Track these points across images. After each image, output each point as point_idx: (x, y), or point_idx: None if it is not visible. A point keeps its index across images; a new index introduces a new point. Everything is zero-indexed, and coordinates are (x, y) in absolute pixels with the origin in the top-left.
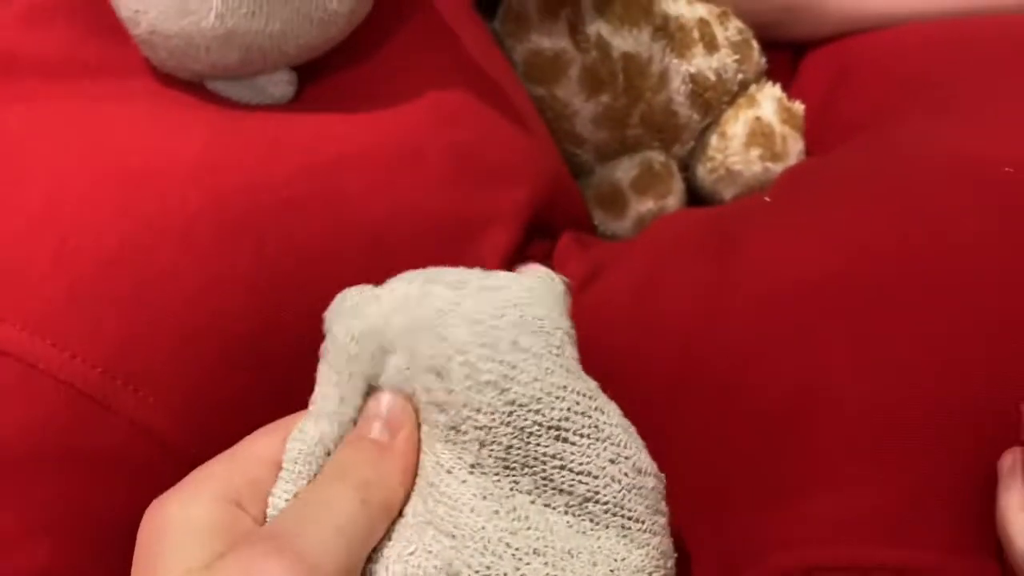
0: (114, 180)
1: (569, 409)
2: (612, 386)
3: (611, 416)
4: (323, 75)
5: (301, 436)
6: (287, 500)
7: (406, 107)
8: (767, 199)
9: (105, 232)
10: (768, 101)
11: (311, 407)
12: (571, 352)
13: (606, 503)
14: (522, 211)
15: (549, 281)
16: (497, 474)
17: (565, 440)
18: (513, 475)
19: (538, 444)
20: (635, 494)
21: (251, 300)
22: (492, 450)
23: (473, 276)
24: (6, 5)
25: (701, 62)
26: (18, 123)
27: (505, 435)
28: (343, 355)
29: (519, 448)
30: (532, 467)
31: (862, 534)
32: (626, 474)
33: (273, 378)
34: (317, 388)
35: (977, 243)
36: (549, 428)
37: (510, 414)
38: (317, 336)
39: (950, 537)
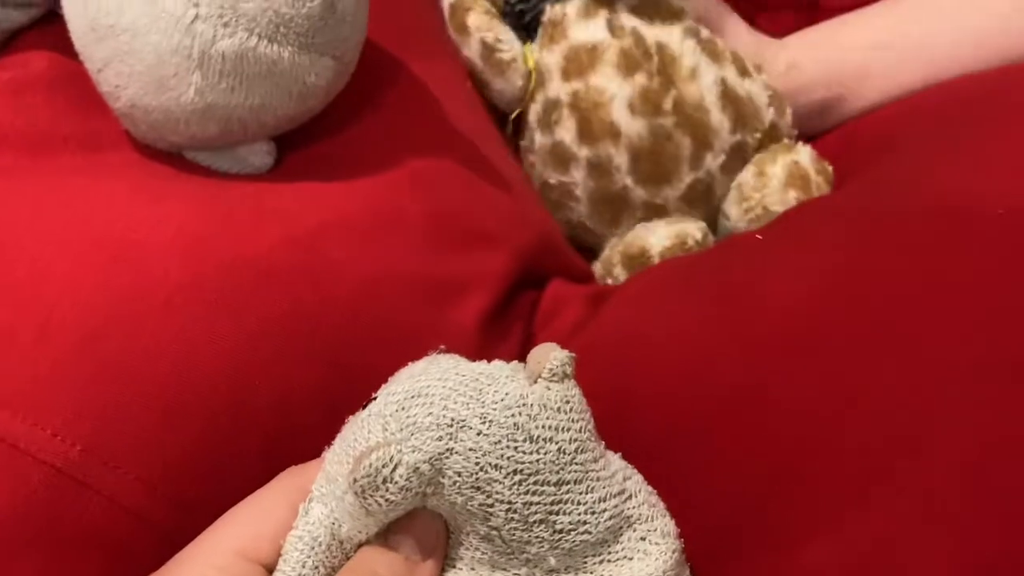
0: (96, 255)
1: (611, 517)
2: (605, 431)
3: (637, 497)
4: (302, 144)
5: (309, 530)
6: None
7: (385, 174)
8: (759, 236)
9: (88, 308)
10: (804, 152)
11: (314, 508)
12: (595, 444)
13: None
14: (502, 275)
15: (554, 388)
16: None
17: (608, 552)
18: None
19: (584, 559)
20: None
21: (233, 373)
22: (539, 566)
23: (489, 402)
24: None
25: (731, 76)
26: (0, 205)
27: (554, 557)
28: (374, 496)
29: (575, 563)
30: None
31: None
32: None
33: (254, 449)
34: (317, 496)
35: (966, 284)
36: (595, 544)
37: (558, 540)
38: (299, 404)
39: (949, 572)
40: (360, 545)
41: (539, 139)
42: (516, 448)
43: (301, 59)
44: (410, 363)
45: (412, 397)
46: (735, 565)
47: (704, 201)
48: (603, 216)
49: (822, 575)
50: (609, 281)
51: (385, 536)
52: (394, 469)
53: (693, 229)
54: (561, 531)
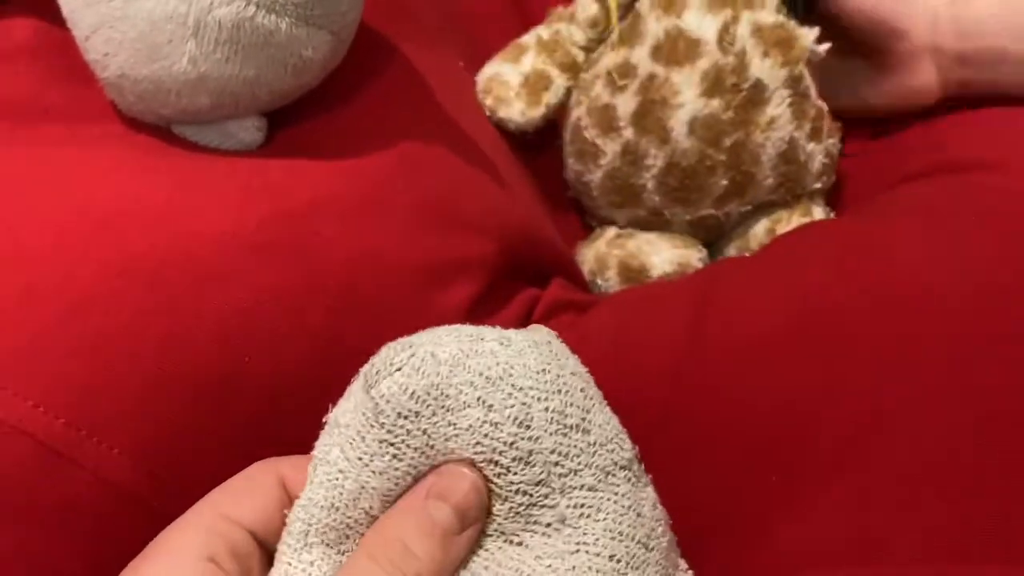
0: (81, 227)
1: (632, 448)
2: None
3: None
4: (293, 122)
5: (311, 503)
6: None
7: (375, 156)
8: (747, 254)
9: (72, 279)
10: (819, 211)
11: (323, 467)
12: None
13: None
14: (488, 263)
15: (556, 338)
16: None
17: (637, 478)
18: (578, 521)
19: (615, 482)
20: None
21: (220, 347)
22: (572, 497)
23: (509, 332)
24: None
25: (803, 137)
26: None
27: (590, 476)
28: (395, 414)
29: (600, 489)
30: (604, 509)
31: (838, 558)
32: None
33: (240, 426)
34: (331, 447)
35: (936, 294)
36: (622, 467)
37: (594, 454)
38: (287, 383)
39: (925, 550)
40: (373, 519)
41: (598, 89)
42: (540, 354)
43: (298, 31)
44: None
45: (423, 334)
46: (718, 541)
47: (709, 232)
48: (611, 195)
49: (796, 555)
50: (599, 281)
51: (417, 497)
52: (411, 354)
53: (695, 258)
54: (595, 443)
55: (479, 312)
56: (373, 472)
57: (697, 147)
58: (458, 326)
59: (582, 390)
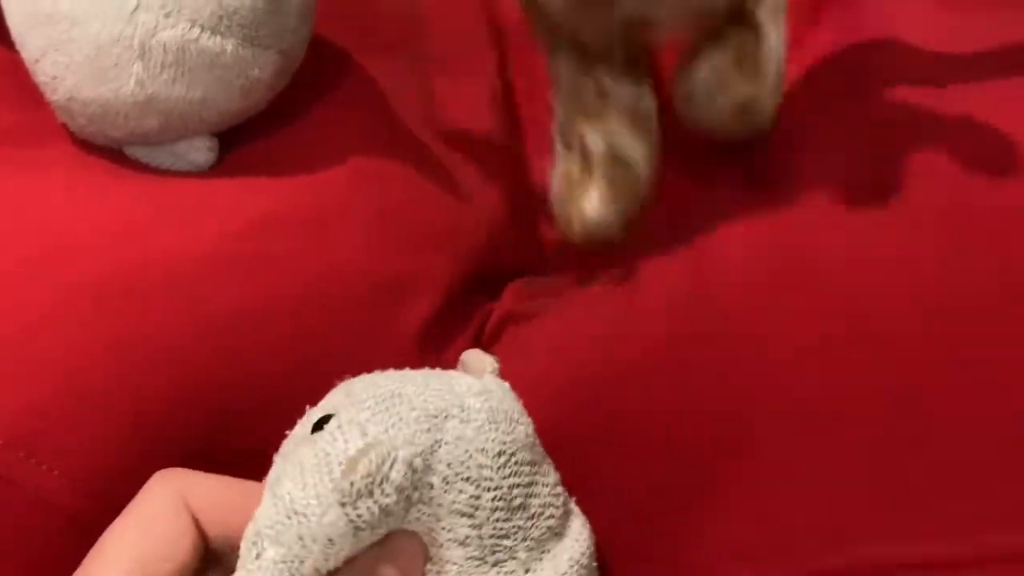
0: (32, 251)
1: (563, 503)
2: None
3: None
4: (245, 141)
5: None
6: None
7: (328, 172)
8: None
9: (20, 303)
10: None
11: (272, 544)
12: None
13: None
14: (445, 276)
15: (501, 382)
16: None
17: (559, 535)
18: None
19: (545, 549)
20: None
21: (166, 370)
22: (503, 568)
23: (462, 393)
24: None
25: None
26: None
27: (524, 550)
28: (367, 515)
29: (534, 558)
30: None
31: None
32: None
33: (186, 447)
34: (284, 482)
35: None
36: (555, 533)
37: (531, 528)
38: (235, 407)
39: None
40: None
41: None
42: (497, 428)
43: (244, 52)
44: (342, 380)
45: (388, 398)
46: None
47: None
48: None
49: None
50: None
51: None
52: (392, 466)
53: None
54: (534, 515)
55: (438, 329)
56: (335, 561)
57: None
58: (414, 388)
59: (529, 463)
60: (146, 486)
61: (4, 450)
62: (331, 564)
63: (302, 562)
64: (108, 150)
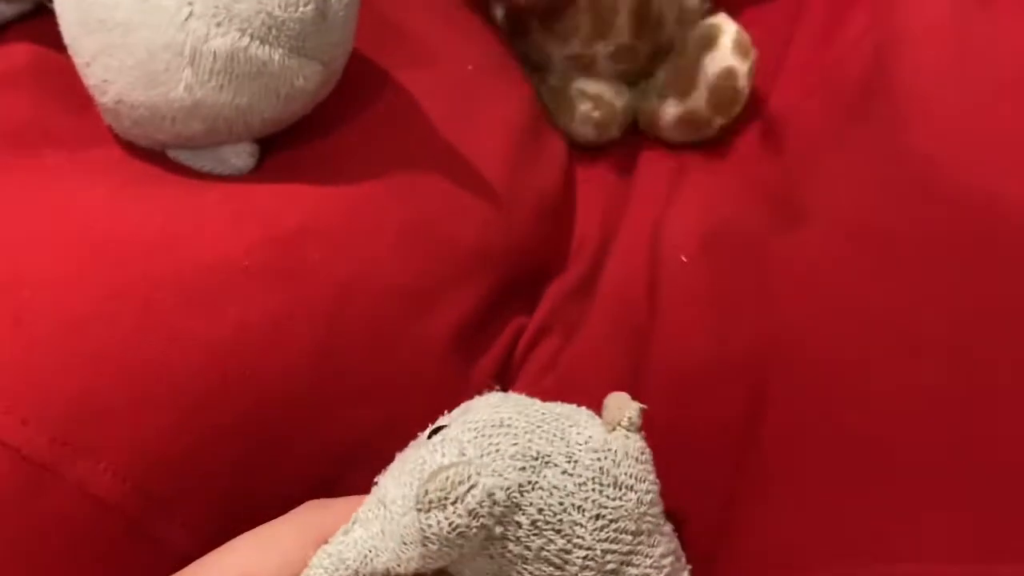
0: (76, 251)
1: (667, 575)
2: None
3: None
4: (285, 147)
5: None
6: None
7: (365, 181)
8: (684, 259)
9: (66, 299)
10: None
11: (362, 530)
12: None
13: None
14: (476, 285)
15: (633, 439)
16: None
17: None
18: None
19: None
20: None
21: (208, 372)
22: None
23: (575, 444)
24: None
25: None
26: None
27: None
28: (440, 544)
29: None
30: None
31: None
32: None
33: (229, 449)
34: (374, 519)
35: None
36: None
37: None
38: (275, 404)
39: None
40: None
41: None
42: (601, 492)
43: (291, 62)
44: (481, 395)
45: (494, 426)
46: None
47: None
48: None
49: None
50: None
51: None
52: (469, 489)
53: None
54: None
55: (471, 339)
56: (404, 568)
57: None
58: (526, 423)
59: (632, 532)
60: (291, 512)
61: (53, 444)
62: (400, 569)
63: (377, 555)
64: (152, 153)
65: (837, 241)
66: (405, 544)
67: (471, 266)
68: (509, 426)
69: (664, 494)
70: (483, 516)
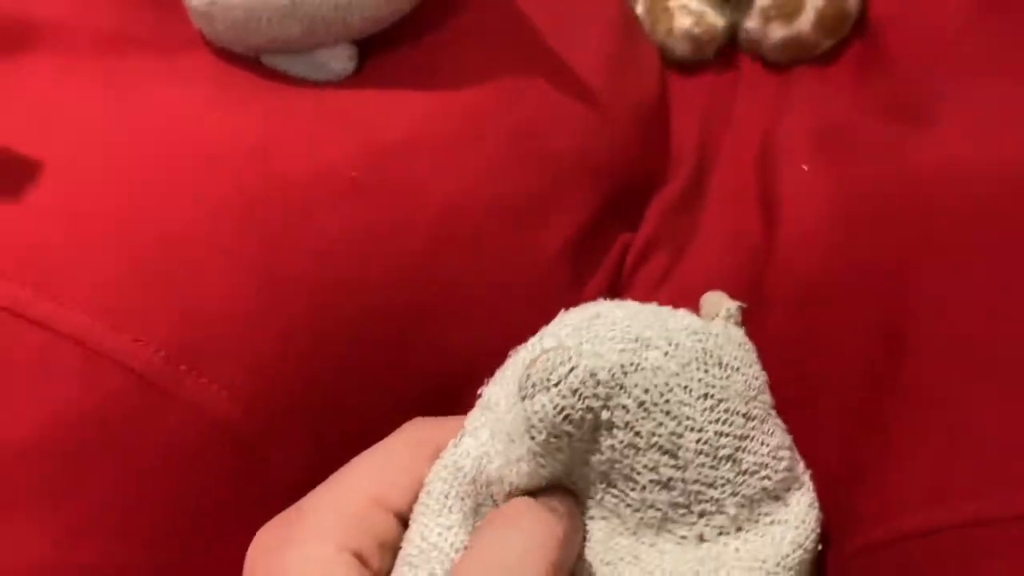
0: (171, 163)
1: (787, 468)
2: None
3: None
4: (384, 50)
5: (456, 467)
6: (456, 547)
7: (468, 89)
8: (805, 168)
9: (164, 213)
10: None
11: (472, 440)
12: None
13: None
14: (584, 201)
15: (733, 328)
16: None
17: (778, 499)
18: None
19: (762, 510)
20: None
21: (312, 285)
22: (712, 521)
23: (675, 330)
24: None
25: None
26: (72, 102)
27: (732, 505)
28: (546, 432)
29: (745, 516)
30: (750, 528)
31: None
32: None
33: (334, 364)
34: (482, 427)
35: None
36: (771, 495)
37: (741, 483)
38: (378, 320)
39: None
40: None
41: None
42: (707, 371)
43: None
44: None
45: (590, 318)
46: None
47: None
48: None
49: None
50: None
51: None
52: (571, 369)
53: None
54: (746, 472)
55: (581, 254)
56: (516, 472)
57: None
58: (624, 314)
59: (744, 415)
60: (399, 430)
61: (164, 361)
62: (513, 476)
63: (490, 460)
64: (245, 59)
65: (972, 149)
66: (513, 442)
67: (576, 178)
68: (606, 316)
69: (788, 417)
70: (587, 396)
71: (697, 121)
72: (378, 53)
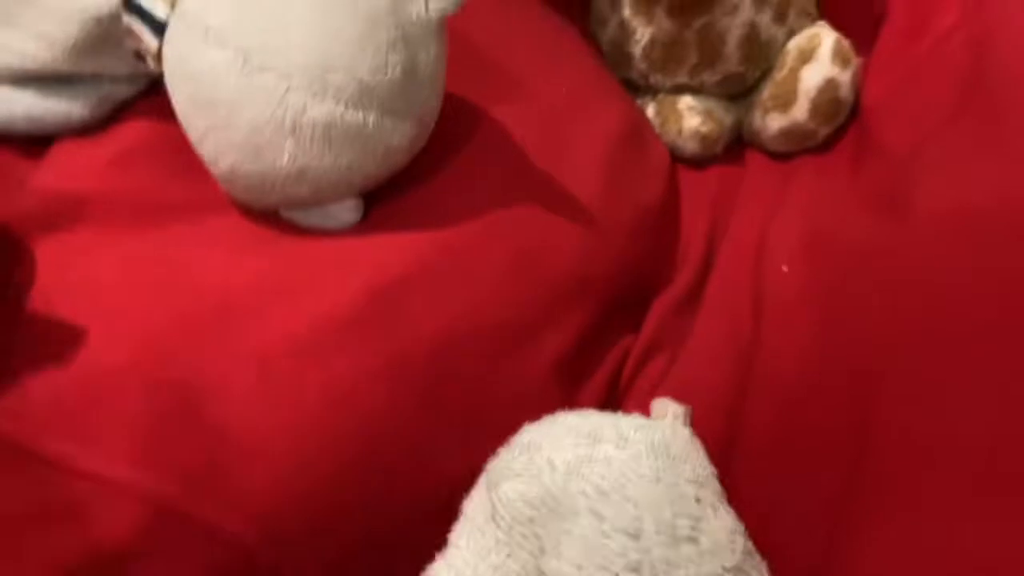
0: (199, 313)
1: (744, 552)
2: None
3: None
4: (387, 197)
5: None
6: None
7: (465, 223)
8: (784, 269)
9: (190, 364)
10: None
11: (453, 550)
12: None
13: None
14: (580, 315)
15: (679, 426)
16: None
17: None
18: None
19: None
20: None
21: (324, 415)
22: None
23: (625, 427)
24: (96, 146)
25: (762, 22)
26: (113, 270)
27: None
28: (511, 517)
29: None
30: None
31: None
32: None
33: (348, 486)
34: (460, 535)
35: None
36: (728, 572)
37: (702, 563)
38: (386, 443)
39: None
40: None
41: None
42: (656, 458)
43: (384, 122)
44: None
45: (549, 422)
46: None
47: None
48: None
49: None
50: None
51: None
52: (531, 458)
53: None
54: (704, 553)
55: (573, 368)
56: (489, 566)
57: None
58: (579, 419)
59: (696, 499)
60: None
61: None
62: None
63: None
64: (266, 215)
65: (944, 242)
66: (484, 534)
67: (572, 294)
68: (561, 421)
69: (771, 508)
70: (546, 482)
71: (706, 217)
72: (382, 200)
